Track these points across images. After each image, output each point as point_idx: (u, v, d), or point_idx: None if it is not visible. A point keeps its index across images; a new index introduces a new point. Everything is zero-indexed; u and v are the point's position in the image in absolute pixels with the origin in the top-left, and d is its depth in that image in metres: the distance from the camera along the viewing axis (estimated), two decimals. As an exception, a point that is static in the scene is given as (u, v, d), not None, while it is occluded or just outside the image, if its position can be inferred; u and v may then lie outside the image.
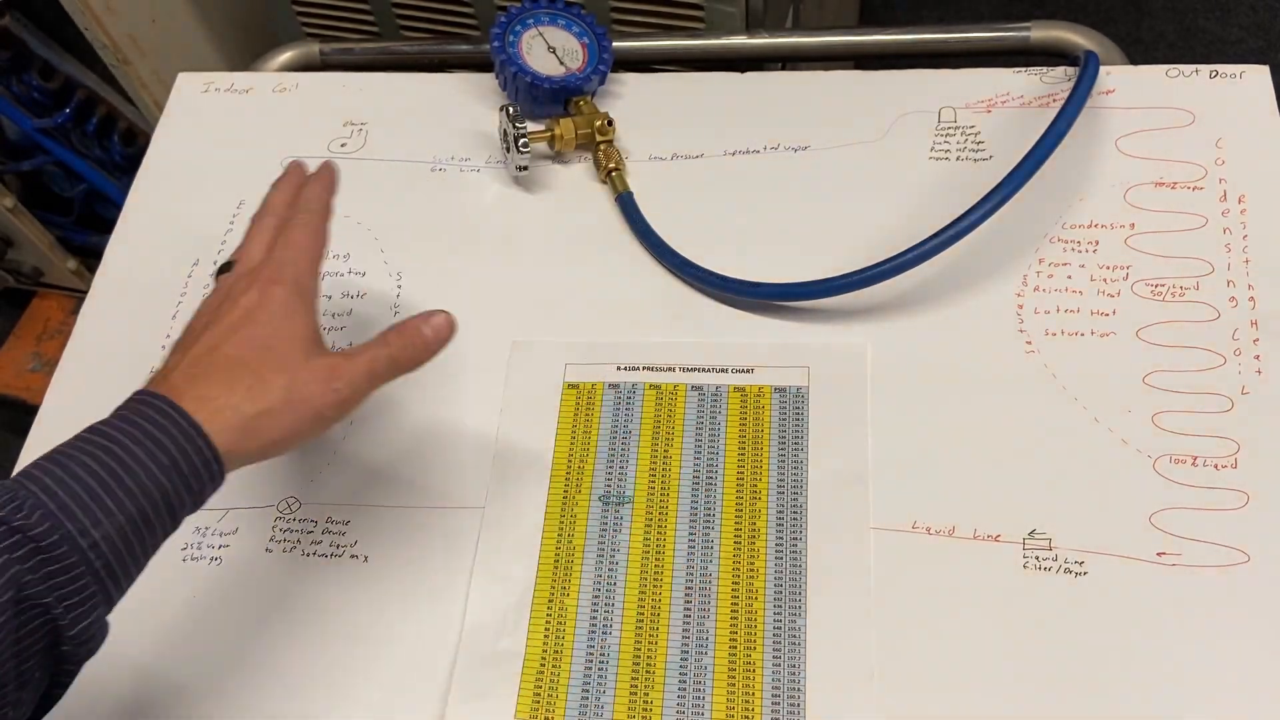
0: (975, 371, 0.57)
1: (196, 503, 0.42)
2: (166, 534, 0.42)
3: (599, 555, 0.55)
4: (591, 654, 0.52)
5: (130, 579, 0.41)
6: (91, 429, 0.41)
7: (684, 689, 0.51)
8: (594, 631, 0.53)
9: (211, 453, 0.42)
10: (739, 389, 0.58)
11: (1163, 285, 0.58)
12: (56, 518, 0.37)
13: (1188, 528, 0.51)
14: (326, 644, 0.54)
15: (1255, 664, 0.48)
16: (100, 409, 0.61)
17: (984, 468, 0.54)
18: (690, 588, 0.53)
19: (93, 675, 0.53)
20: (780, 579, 0.52)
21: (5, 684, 0.36)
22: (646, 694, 0.51)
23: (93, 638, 0.40)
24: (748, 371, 0.58)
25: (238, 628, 0.54)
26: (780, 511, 0.54)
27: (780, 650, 0.51)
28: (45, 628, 0.37)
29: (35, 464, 0.39)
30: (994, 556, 0.52)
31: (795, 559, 0.53)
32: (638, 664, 0.52)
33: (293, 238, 0.49)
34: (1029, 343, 0.57)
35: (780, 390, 0.57)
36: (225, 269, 0.51)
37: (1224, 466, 0.52)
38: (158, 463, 0.40)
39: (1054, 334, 0.57)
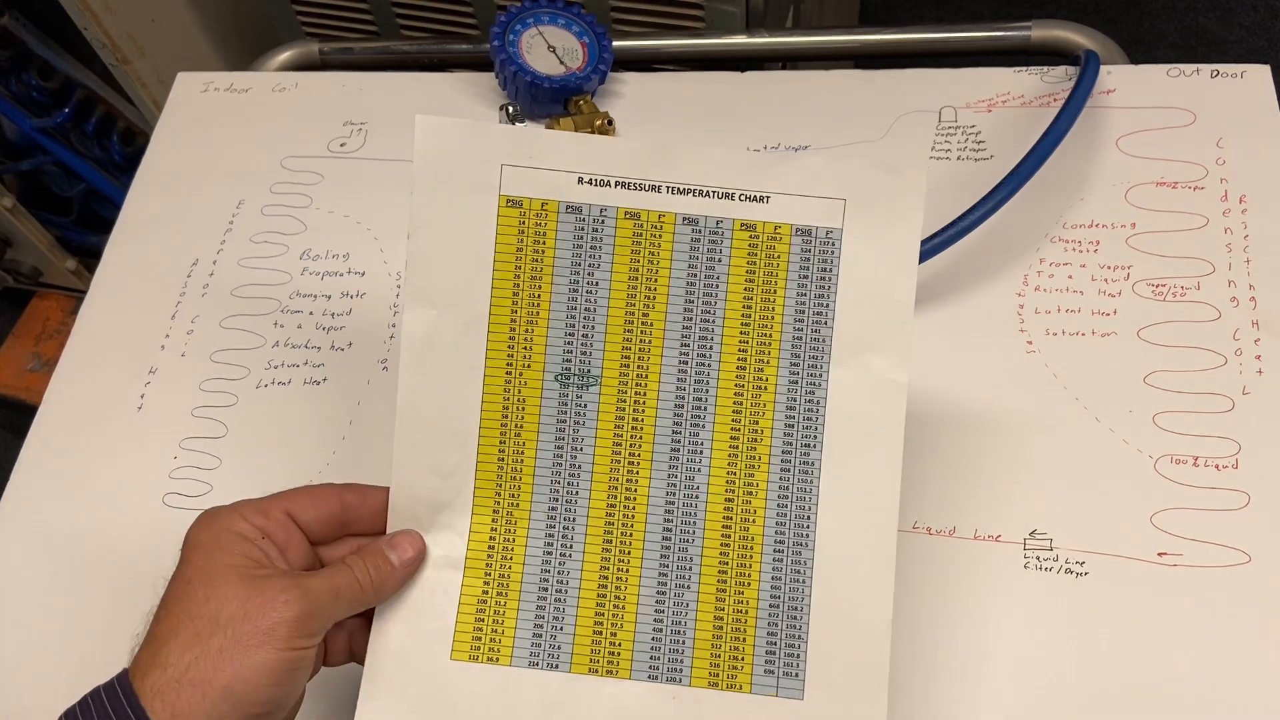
0: (976, 371, 0.57)
1: None
2: None
3: (556, 456, 0.43)
4: (546, 583, 0.43)
5: None
6: None
7: (659, 630, 0.42)
8: (549, 555, 0.43)
9: None
10: (748, 225, 0.43)
11: (1163, 285, 0.58)
12: None
13: (1189, 528, 0.51)
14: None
15: (1256, 664, 0.48)
16: (100, 409, 0.61)
17: (984, 468, 0.54)
18: (672, 502, 0.43)
19: (90, 677, 0.53)
20: (785, 497, 0.42)
21: None
22: (613, 634, 0.42)
23: None
24: (762, 200, 0.43)
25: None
26: (791, 408, 0.42)
27: (780, 589, 0.42)
28: None
29: None
30: (995, 557, 0.52)
31: (805, 473, 0.42)
32: (603, 597, 0.42)
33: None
34: (1030, 342, 0.57)
35: (804, 231, 0.43)
36: None
37: (1225, 467, 0.52)
38: None
39: (1055, 334, 0.57)
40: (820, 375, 0.43)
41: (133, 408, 0.61)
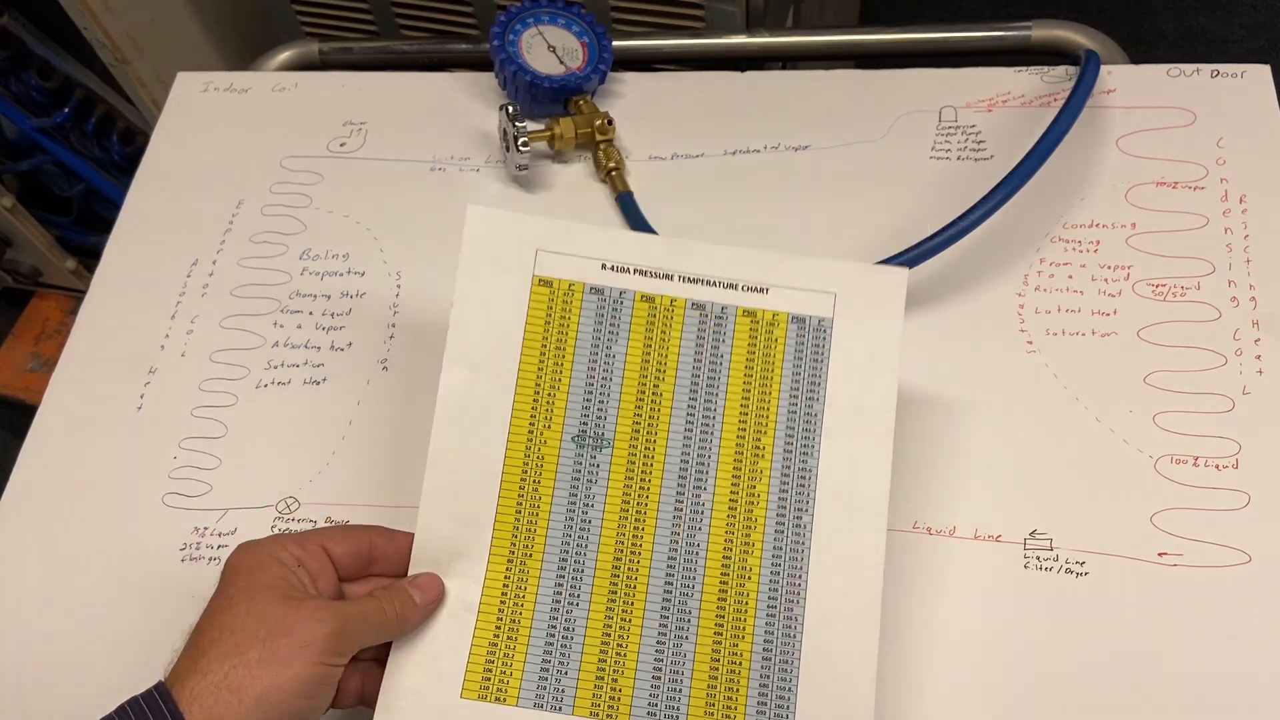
0: (976, 371, 0.57)
1: None
2: None
3: (569, 510, 0.46)
4: (554, 629, 0.45)
5: None
6: None
7: (658, 677, 0.45)
8: (558, 601, 0.46)
9: None
10: (749, 312, 0.48)
11: (1164, 285, 0.58)
12: None
13: (1189, 528, 0.51)
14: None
15: (1256, 664, 0.48)
16: (100, 409, 0.61)
17: (985, 468, 0.54)
18: (674, 558, 0.46)
19: (91, 678, 0.53)
20: (779, 557, 0.45)
21: None
22: (615, 680, 0.45)
23: None
24: (762, 291, 0.48)
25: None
26: (786, 474, 0.46)
27: (772, 642, 0.45)
28: None
29: None
30: (995, 557, 0.52)
31: (798, 534, 0.45)
32: (606, 644, 0.45)
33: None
34: (1030, 342, 0.57)
35: (799, 320, 0.48)
36: None
37: (1225, 467, 0.52)
38: None
39: (1055, 334, 0.57)
40: (812, 446, 0.47)
41: (132, 408, 0.61)
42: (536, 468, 0.47)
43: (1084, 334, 0.57)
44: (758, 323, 0.48)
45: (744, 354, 0.48)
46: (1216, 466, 0.53)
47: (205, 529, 0.57)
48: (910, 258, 0.57)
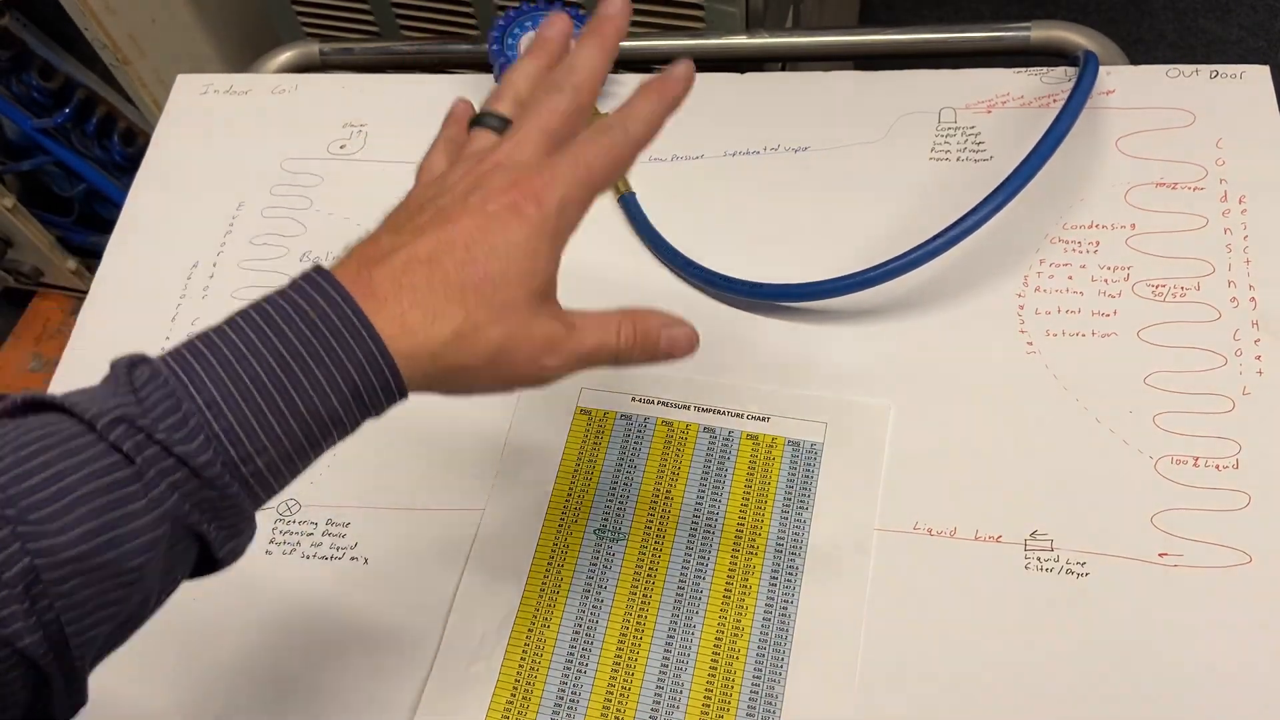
0: (976, 372, 0.57)
1: (358, 425, 0.37)
2: (324, 451, 0.37)
3: (585, 590, 0.53)
4: (564, 691, 0.51)
5: (280, 492, 0.36)
6: (270, 322, 0.35)
7: None
8: (569, 668, 0.52)
9: (397, 390, 0.36)
10: (752, 436, 0.56)
11: (1163, 286, 0.58)
12: (221, 443, 0.33)
13: (1189, 528, 0.51)
14: (326, 646, 0.54)
15: (1257, 664, 0.48)
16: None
17: (985, 469, 0.54)
18: (672, 637, 0.52)
19: (92, 678, 0.53)
20: (764, 642, 0.51)
21: (148, 603, 0.35)
22: None
23: (238, 552, 0.37)
24: (763, 420, 0.57)
25: (237, 631, 0.54)
26: (775, 572, 0.53)
27: (754, 717, 0.50)
28: (194, 547, 0.35)
29: (199, 356, 0.34)
30: (995, 558, 0.52)
31: (783, 624, 0.51)
32: (607, 709, 0.51)
33: (587, 154, 0.39)
34: (1030, 343, 0.57)
35: (794, 444, 0.56)
36: (481, 120, 0.43)
37: (1225, 467, 0.52)
38: (337, 392, 0.35)
39: (1055, 334, 0.57)
40: (800, 548, 0.53)
41: (133, 409, 0.61)
42: (561, 553, 0.55)
43: (1084, 334, 0.57)
44: (759, 445, 0.56)
45: (745, 470, 0.56)
46: (1217, 467, 0.53)
47: (206, 530, 0.57)
48: (912, 259, 0.57)
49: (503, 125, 0.42)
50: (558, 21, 0.44)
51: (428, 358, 0.36)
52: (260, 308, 0.35)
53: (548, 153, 0.39)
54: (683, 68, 0.41)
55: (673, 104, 0.41)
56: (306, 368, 0.34)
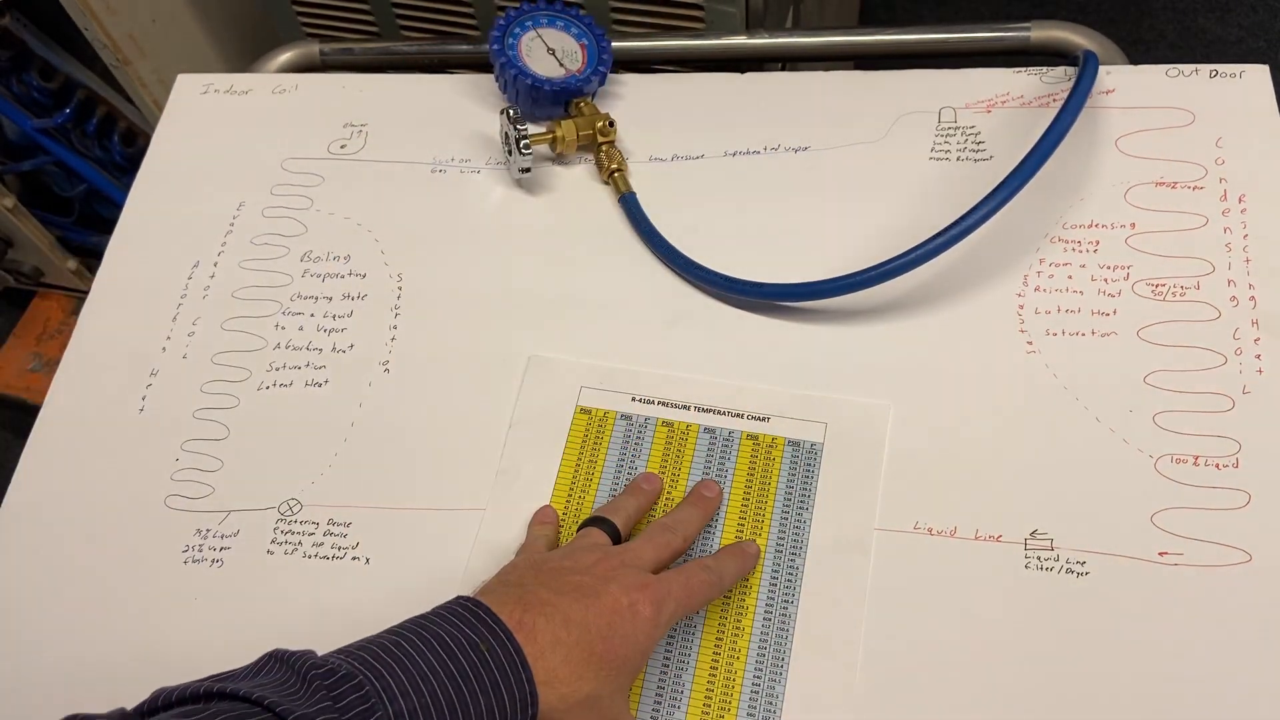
0: (976, 371, 0.57)
1: None
2: None
3: None
4: None
5: None
6: (445, 647, 0.42)
7: None
8: None
9: None
10: (752, 436, 0.56)
11: (1163, 285, 0.58)
12: None
13: (1189, 527, 0.51)
14: (327, 646, 0.54)
15: (1257, 664, 0.48)
16: (101, 410, 0.62)
17: (985, 468, 0.54)
18: (673, 636, 0.52)
19: (92, 679, 0.54)
20: (765, 642, 0.51)
21: None
22: None
23: None
24: (763, 420, 0.57)
25: (239, 630, 0.54)
26: (775, 572, 0.53)
27: (754, 717, 0.50)
28: None
29: (389, 669, 0.41)
30: (996, 557, 0.52)
31: (783, 624, 0.51)
32: None
33: (693, 582, 0.49)
34: (1030, 343, 0.57)
35: (794, 444, 0.56)
36: (598, 522, 0.52)
37: (1225, 466, 0.52)
38: (491, 715, 0.42)
39: (1055, 334, 0.57)
40: (800, 548, 0.53)
41: (134, 409, 0.61)
42: None
43: (1084, 334, 0.57)
44: (759, 445, 0.56)
45: (745, 471, 0.56)
46: (1217, 466, 0.53)
47: (207, 531, 0.57)
48: (912, 259, 0.57)
49: (615, 531, 0.52)
50: (655, 480, 0.55)
51: (557, 699, 0.43)
52: (434, 631, 0.43)
53: (653, 569, 0.49)
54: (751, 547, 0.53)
55: (752, 563, 0.53)
56: (474, 692, 0.41)
